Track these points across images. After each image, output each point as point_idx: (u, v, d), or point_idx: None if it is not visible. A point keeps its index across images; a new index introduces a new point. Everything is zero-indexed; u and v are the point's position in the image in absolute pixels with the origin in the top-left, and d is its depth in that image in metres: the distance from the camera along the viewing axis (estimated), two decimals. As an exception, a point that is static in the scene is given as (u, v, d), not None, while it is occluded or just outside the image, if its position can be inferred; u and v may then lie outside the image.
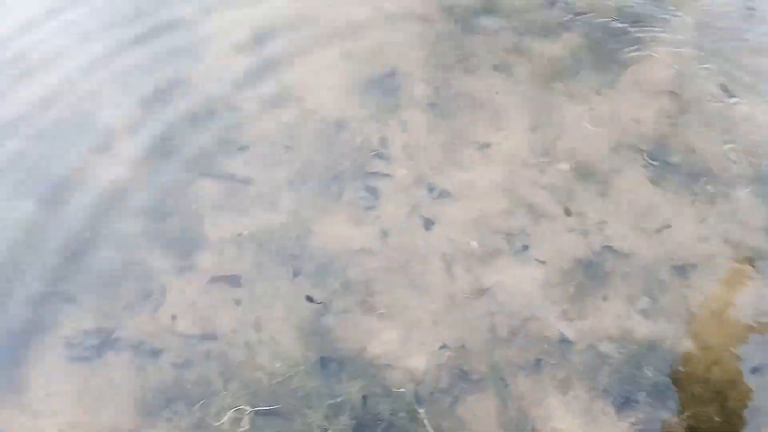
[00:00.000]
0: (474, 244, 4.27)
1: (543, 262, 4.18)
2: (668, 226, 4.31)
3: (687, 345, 3.87)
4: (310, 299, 4.09)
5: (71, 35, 5.34)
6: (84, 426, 3.67)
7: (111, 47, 5.25)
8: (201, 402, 3.67)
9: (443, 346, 3.90)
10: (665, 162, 4.59)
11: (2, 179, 4.44)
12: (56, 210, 4.31)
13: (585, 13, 5.39)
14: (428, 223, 4.36)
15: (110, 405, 3.74)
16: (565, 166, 4.58)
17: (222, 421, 3.55)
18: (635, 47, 5.21)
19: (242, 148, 4.67)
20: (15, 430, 3.64)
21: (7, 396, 3.74)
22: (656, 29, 5.36)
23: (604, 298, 4.06)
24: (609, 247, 4.23)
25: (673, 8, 5.57)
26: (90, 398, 3.76)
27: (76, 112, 4.83)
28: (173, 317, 4.00)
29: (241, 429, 3.52)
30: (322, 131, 4.77)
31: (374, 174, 4.57)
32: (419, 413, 3.65)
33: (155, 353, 3.89)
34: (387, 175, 4.57)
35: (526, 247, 4.24)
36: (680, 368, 3.78)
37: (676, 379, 3.74)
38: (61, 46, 5.24)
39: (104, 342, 3.92)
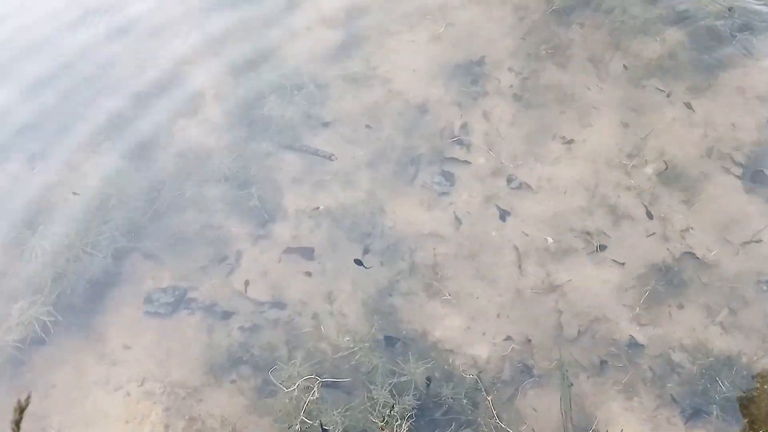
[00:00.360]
0: (549, 239, 4.20)
1: (619, 264, 4.07)
2: (758, 240, 4.11)
3: (765, 363, 3.70)
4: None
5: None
6: (155, 379, 3.84)
7: (207, 17, 5.39)
8: (273, 368, 3.78)
9: (507, 338, 3.87)
10: (761, 171, 4.36)
11: (101, 137, 4.66)
12: (145, 169, 4.50)
13: (690, 13, 5.16)
14: (504, 215, 4.31)
15: (180, 361, 3.90)
16: (652, 168, 4.42)
17: (292, 388, 3.62)
18: (740, 51, 4.95)
19: (325, 124, 4.73)
20: (91, 376, 3.85)
21: (86, 343, 3.95)
22: (766, 34, 5.08)
23: (680, 307, 3.92)
24: (691, 255, 4.07)
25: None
26: (162, 353, 3.93)
27: (171, 76, 5.00)
28: (246, 283, 4.12)
29: (312, 398, 3.59)
30: (404, 113, 4.78)
31: (452, 160, 4.55)
32: (486, 400, 3.65)
33: (226, 316, 4.03)
34: (465, 162, 4.54)
35: (603, 248, 4.14)
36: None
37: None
38: (157, 10, 5.41)
39: (179, 300, 4.08)
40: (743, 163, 4.40)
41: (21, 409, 1.80)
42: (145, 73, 4.99)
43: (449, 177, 4.48)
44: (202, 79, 4.99)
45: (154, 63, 5.06)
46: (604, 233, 4.20)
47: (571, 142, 4.58)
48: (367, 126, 4.72)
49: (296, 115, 4.76)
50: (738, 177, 4.36)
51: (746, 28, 5.09)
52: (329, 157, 4.57)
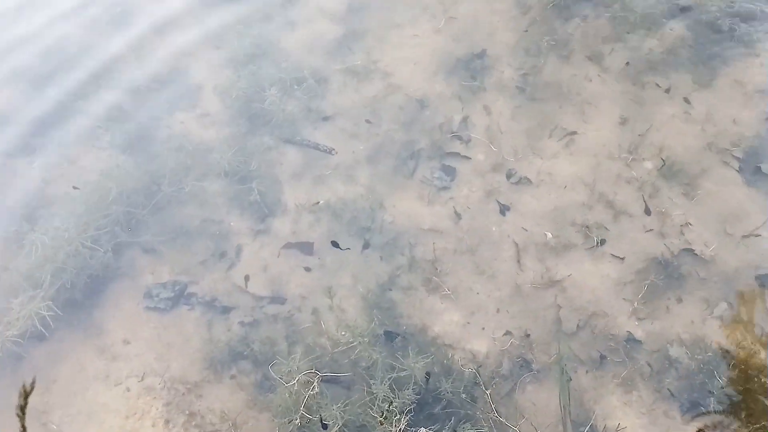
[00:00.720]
0: (549, 234, 4.20)
1: (618, 259, 4.08)
2: (756, 235, 4.11)
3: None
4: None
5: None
6: (155, 374, 3.85)
7: (208, 10, 5.37)
8: (272, 363, 3.78)
9: (506, 333, 3.88)
10: (759, 167, 4.36)
11: (101, 132, 4.65)
12: (145, 163, 4.50)
13: (691, 7, 5.14)
14: (504, 209, 4.31)
15: (180, 356, 3.91)
16: (651, 163, 4.42)
17: (292, 383, 3.63)
18: (741, 45, 4.93)
19: (326, 119, 4.73)
20: (91, 371, 3.86)
21: (86, 337, 3.96)
22: (766, 29, 5.06)
23: (679, 301, 3.93)
24: (689, 250, 4.08)
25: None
26: (162, 348, 3.94)
27: (171, 68, 5.00)
28: (246, 278, 4.13)
29: (312, 392, 3.59)
30: (404, 107, 4.77)
31: (452, 155, 4.54)
32: (485, 395, 3.66)
33: (226, 311, 4.04)
34: (465, 157, 4.53)
35: (602, 242, 4.14)
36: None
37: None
38: (158, 3, 5.38)
39: (179, 295, 4.09)
40: (743, 157, 4.40)
41: (26, 395, 1.80)
42: (146, 67, 4.98)
43: (449, 172, 4.48)
44: (202, 72, 4.98)
45: (155, 57, 5.04)
46: (604, 228, 4.20)
47: (571, 136, 4.58)
48: (368, 120, 4.72)
49: (296, 109, 4.75)
50: (737, 171, 4.36)
51: (749, 20, 5.07)
52: (329, 152, 4.57)
